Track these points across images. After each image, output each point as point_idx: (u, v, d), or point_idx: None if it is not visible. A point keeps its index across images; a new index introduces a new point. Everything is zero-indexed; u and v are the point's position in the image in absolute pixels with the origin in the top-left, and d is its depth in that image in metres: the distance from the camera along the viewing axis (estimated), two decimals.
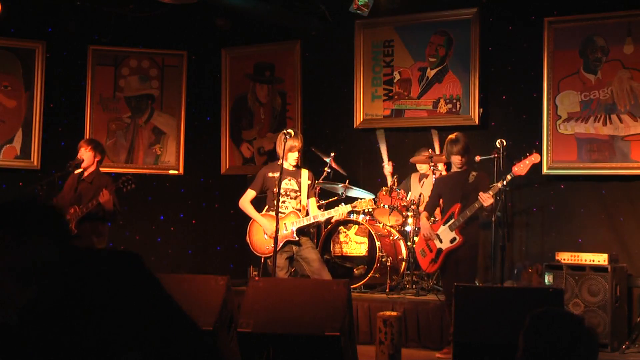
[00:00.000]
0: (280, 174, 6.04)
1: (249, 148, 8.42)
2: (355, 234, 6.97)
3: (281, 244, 6.04)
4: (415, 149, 7.23)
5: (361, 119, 7.78)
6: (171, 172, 8.38)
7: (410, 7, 7.42)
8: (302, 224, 6.14)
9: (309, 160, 7.81)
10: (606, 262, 6.04)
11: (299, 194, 6.25)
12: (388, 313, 5.28)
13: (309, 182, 6.31)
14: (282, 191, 6.09)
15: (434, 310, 6.16)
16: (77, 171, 6.29)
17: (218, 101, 8.49)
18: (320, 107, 8.12)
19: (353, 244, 6.98)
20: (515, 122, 7.16)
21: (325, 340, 4.41)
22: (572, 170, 6.78)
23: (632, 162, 6.54)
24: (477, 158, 6.74)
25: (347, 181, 7.11)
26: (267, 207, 6.32)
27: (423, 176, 7.19)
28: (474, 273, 5.92)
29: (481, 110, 7.22)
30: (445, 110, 7.40)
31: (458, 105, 7.34)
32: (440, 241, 5.84)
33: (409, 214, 6.76)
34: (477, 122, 7.22)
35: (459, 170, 5.93)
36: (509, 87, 7.24)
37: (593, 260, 6.09)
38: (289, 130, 6.50)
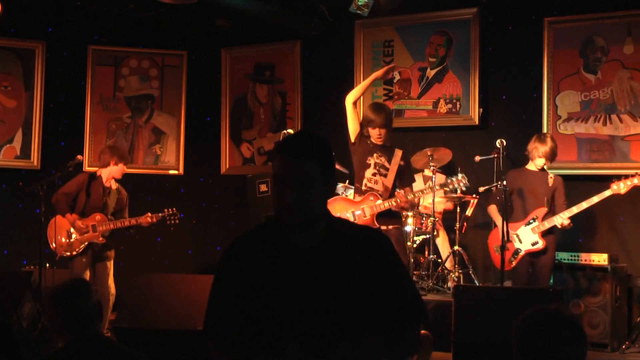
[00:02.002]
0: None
1: (249, 148, 8.42)
2: None
3: None
4: (415, 149, 7.22)
5: (361, 119, 7.76)
6: (171, 172, 8.38)
7: (410, 7, 7.41)
8: (382, 209, 5.29)
9: None
10: (606, 262, 6.04)
11: (388, 172, 5.43)
12: None
13: (402, 163, 5.47)
14: (376, 162, 5.41)
15: (434, 310, 6.15)
16: (96, 173, 6.42)
17: (218, 101, 8.49)
18: (320, 107, 8.12)
19: None
20: (515, 122, 7.16)
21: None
22: (572, 170, 6.78)
23: (632, 162, 6.54)
24: (477, 158, 6.75)
25: (347, 181, 7.11)
26: (356, 185, 5.56)
27: (427, 178, 7.17)
28: (549, 280, 5.90)
29: (481, 110, 7.22)
30: (445, 110, 7.40)
31: (458, 105, 7.34)
32: (520, 242, 5.80)
33: (409, 213, 6.75)
34: (477, 122, 7.22)
35: (538, 170, 5.90)
36: (509, 87, 7.24)
37: (593, 260, 6.10)
38: (289, 130, 6.50)
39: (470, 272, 6.80)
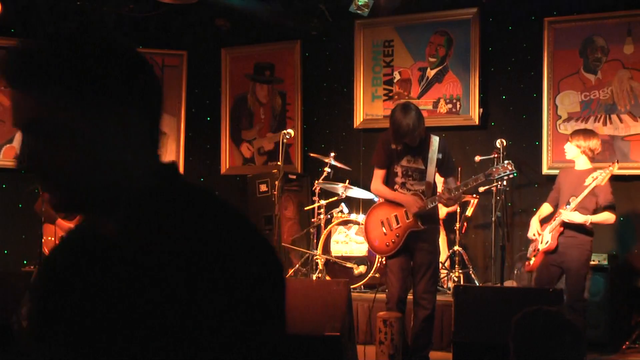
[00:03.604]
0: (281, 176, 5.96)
1: (249, 148, 8.42)
2: (356, 234, 6.97)
3: (404, 238, 5.05)
4: None
5: (361, 119, 7.78)
6: None
7: (410, 7, 7.41)
8: (428, 207, 5.00)
9: (309, 159, 7.82)
10: (606, 262, 6.04)
11: (425, 174, 5.09)
12: (388, 313, 5.28)
13: (439, 155, 5.08)
14: (402, 170, 5.09)
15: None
16: None
17: (218, 101, 8.50)
18: (320, 107, 8.12)
19: (353, 244, 6.98)
20: (515, 122, 7.16)
21: (325, 340, 4.41)
22: None
23: (632, 162, 6.54)
24: (477, 158, 6.75)
25: (347, 181, 7.12)
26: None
27: None
28: (581, 286, 5.39)
29: (481, 110, 7.23)
30: (445, 110, 7.40)
31: (458, 105, 7.34)
32: (541, 242, 5.54)
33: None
34: (477, 122, 7.23)
35: (584, 169, 5.47)
36: (509, 87, 7.24)
37: (593, 260, 6.09)
38: (289, 130, 6.49)
39: (470, 272, 6.80)
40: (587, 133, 5.56)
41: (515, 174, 5.32)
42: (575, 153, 5.49)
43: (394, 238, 5.08)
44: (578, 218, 5.31)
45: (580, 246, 5.37)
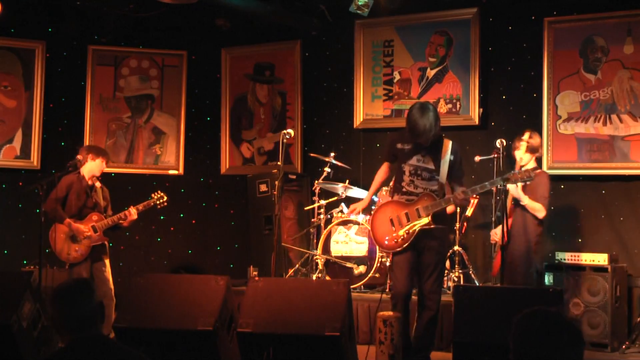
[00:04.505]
0: (280, 176, 5.97)
1: (249, 148, 8.42)
2: (355, 234, 6.97)
3: (412, 237, 5.05)
4: None
5: (361, 119, 7.78)
6: (171, 172, 8.38)
7: (410, 7, 7.41)
8: (439, 207, 5.01)
9: (309, 159, 7.82)
10: (606, 262, 6.04)
11: (435, 174, 5.09)
12: (388, 313, 5.28)
13: (452, 157, 5.09)
14: (411, 169, 5.10)
15: None
16: (83, 175, 6.38)
17: (218, 101, 8.50)
18: (320, 107, 8.12)
19: (353, 244, 6.98)
20: (515, 122, 7.16)
21: (325, 340, 4.41)
22: (572, 170, 6.78)
23: (632, 162, 6.54)
24: (477, 158, 6.75)
25: (347, 181, 7.12)
26: (392, 186, 5.31)
27: None
28: (528, 269, 5.53)
29: (481, 110, 7.23)
30: (445, 110, 7.40)
31: (458, 105, 7.35)
32: (497, 241, 5.61)
33: None
34: (477, 122, 7.23)
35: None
36: (509, 87, 7.24)
37: (593, 260, 6.09)
38: (289, 131, 6.49)
39: (470, 272, 6.80)
40: (533, 131, 5.88)
41: (529, 180, 5.26)
42: (529, 154, 5.72)
43: (403, 235, 5.08)
44: (514, 190, 5.48)
45: (525, 243, 5.54)
